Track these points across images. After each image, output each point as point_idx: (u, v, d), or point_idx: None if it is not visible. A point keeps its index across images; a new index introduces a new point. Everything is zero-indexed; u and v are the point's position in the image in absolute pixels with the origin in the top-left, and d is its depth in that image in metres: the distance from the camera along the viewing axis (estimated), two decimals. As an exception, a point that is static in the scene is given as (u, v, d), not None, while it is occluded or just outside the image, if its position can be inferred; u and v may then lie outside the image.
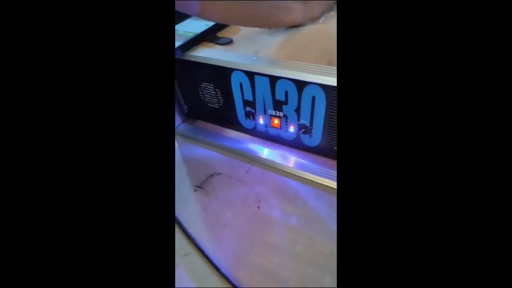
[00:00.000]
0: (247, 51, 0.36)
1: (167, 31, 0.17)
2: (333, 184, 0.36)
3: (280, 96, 0.35)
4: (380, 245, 0.16)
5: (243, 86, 0.37)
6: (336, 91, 0.31)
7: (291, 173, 0.38)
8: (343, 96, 0.17)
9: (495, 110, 0.14)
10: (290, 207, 0.34)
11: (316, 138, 0.37)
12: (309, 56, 0.33)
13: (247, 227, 0.33)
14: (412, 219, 0.15)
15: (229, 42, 0.38)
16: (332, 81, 0.29)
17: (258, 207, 0.35)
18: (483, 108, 0.15)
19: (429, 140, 0.15)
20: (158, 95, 0.17)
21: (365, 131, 0.16)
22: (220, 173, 0.40)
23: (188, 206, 0.36)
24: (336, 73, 0.29)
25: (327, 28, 0.39)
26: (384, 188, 0.16)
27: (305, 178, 0.37)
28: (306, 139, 0.38)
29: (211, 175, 0.39)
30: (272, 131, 0.41)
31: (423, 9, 0.15)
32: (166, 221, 0.17)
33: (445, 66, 0.15)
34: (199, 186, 0.38)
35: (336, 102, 0.32)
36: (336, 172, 0.36)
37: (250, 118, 0.41)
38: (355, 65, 0.16)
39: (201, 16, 0.32)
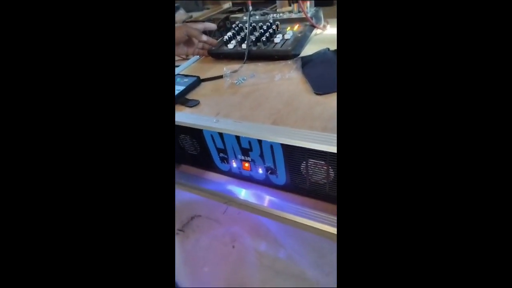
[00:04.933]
0: (210, 112, 0.42)
1: (168, 106, 0.22)
2: (302, 220, 0.39)
3: (245, 145, 0.40)
4: (379, 249, 0.17)
5: (214, 138, 0.42)
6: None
7: (263, 211, 0.42)
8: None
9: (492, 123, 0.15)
10: (262, 244, 0.38)
11: (281, 177, 0.41)
12: (259, 116, 0.39)
13: (223, 266, 0.36)
14: (409, 228, 0.17)
15: (197, 104, 0.44)
16: (276, 139, 0.35)
17: (233, 246, 0.38)
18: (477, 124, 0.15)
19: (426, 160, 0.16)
20: (162, 144, 0.22)
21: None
22: (200, 215, 0.44)
23: (171, 249, 0.39)
24: (278, 132, 0.35)
25: (279, 85, 0.46)
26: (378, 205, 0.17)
27: (276, 215, 0.41)
28: (274, 179, 0.43)
29: (192, 218, 0.44)
30: (245, 173, 0.45)
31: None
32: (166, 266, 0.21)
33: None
34: (181, 230, 0.42)
35: (289, 149, 0.36)
36: (303, 208, 0.40)
37: (225, 162, 0.46)
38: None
39: None
